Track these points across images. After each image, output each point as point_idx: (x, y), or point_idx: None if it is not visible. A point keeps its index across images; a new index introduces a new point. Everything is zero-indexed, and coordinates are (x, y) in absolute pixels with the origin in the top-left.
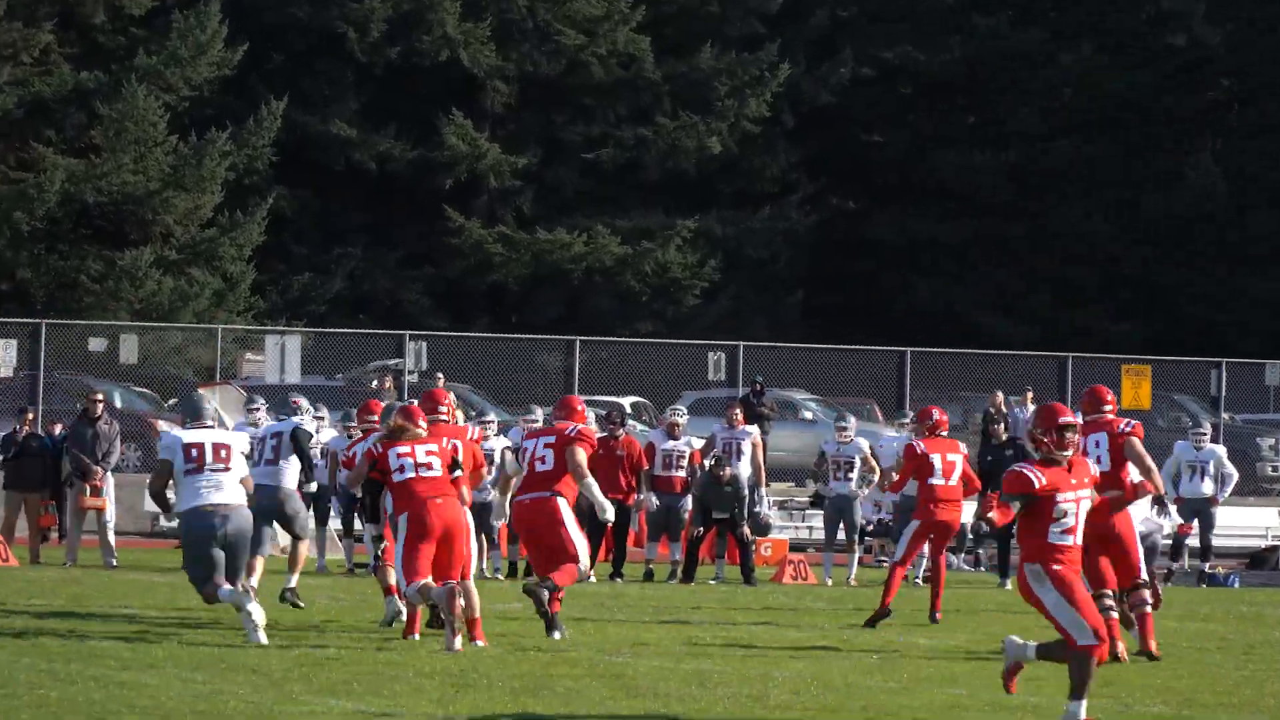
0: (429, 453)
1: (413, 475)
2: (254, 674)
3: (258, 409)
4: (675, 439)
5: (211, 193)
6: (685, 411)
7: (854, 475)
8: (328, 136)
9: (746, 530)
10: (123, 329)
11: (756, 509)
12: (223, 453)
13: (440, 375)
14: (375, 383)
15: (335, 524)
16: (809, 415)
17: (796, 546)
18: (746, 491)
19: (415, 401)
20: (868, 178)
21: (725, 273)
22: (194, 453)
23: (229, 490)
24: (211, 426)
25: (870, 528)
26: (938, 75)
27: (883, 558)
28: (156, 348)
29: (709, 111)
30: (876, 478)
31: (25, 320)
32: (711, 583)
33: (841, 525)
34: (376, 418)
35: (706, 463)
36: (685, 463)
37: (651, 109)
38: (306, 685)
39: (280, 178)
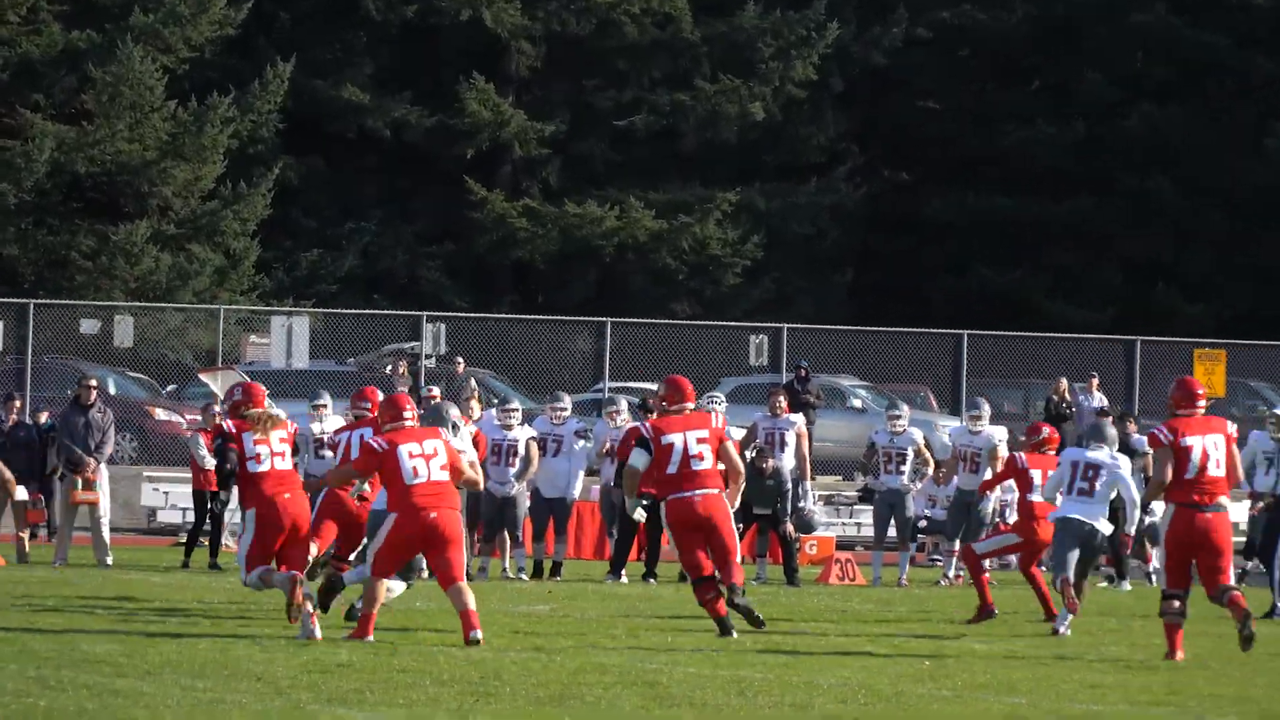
0: (256, 442)
1: (266, 468)
2: (259, 681)
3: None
4: None
5: (213, 162)
6: (723, 399)
7: (906, 468)
8: (339, 102)
9: (790, 527)
10: (117, 310)
11: (801, 504)
12: None
13: (460, 360)
14: (389, 368)
15: None
16: (858, 403)
17: (844, 544)
18: (790, 485)
19: (434, 387)
20: (922, 148)
21: (768, 250)
22: None
23: None
24: None
25: (923, 524)
26: (999, 37)
27: (935, 556)
28: (153, 330)
29: (751, 75)
30: (930, 470)
31: (12, 300)
32: (753, 583)
33: (892, 522)
34: (371, 404)
35: (747, 454)
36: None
37: (689, 72)
38: (315, 694)
39: (287, 146)
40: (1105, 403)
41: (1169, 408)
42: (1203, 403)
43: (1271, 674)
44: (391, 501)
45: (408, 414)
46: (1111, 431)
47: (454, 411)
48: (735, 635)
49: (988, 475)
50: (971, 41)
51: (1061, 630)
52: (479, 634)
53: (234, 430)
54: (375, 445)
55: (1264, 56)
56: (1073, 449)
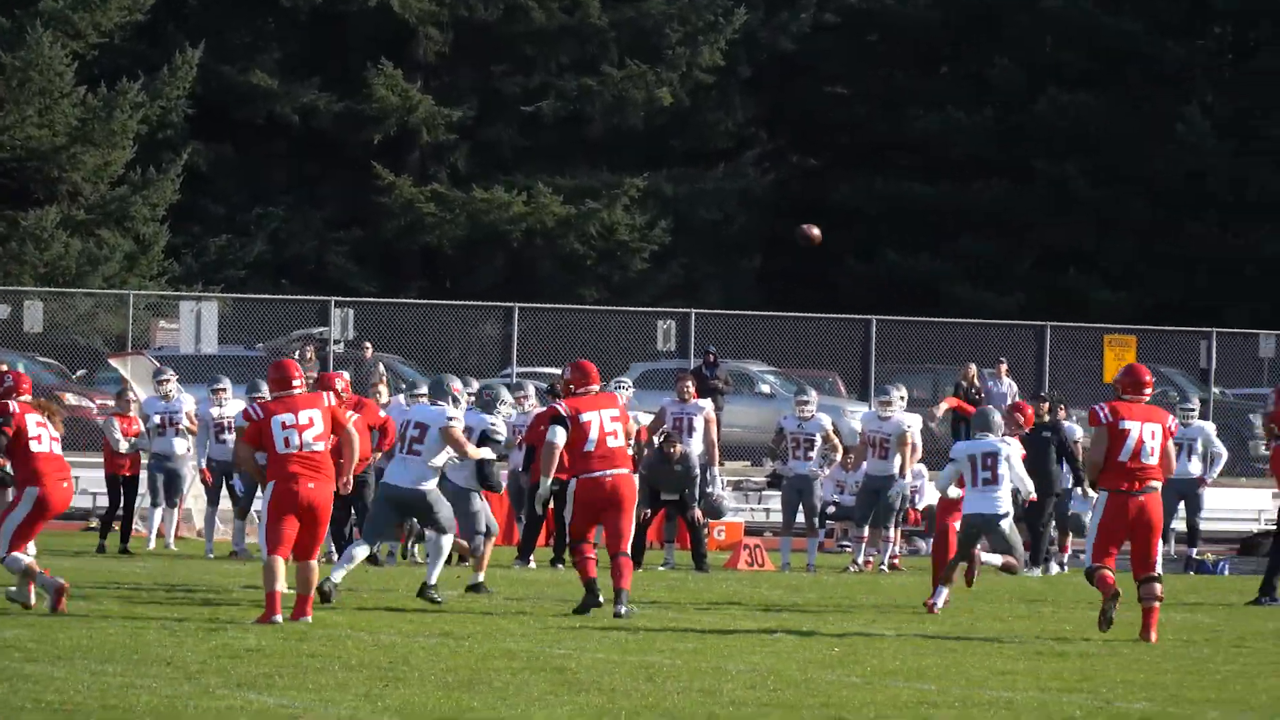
0: (39, 424)
1: (48, 449)
2: (168, 666)
3: (168, 380)
4: None
5: (122, 148)
6: (630, 384)
7: (814, 454)
8: (247, 88)
9: (698, 513)
10: (27, 295)
11: (709, 490)
12: None
13: (368, 345)
14: (298, 353)
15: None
16: (766, 389)
17: (752, 530)
18: (698, 471)
19: (343, 372)
20: (831, 134)
21: (675, 235)
22: None
23: None
24: None
25: (831, 510)
26: (908, 22)
27: (845, 542)
28: (63, 315)
29: (659, 61)
30: (839, 456)
31: None
32: (660, 569)
33: (801, 507)
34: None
35: (655, 439)
36: (632, 440)
37: (597, 58)
38: (224, 678)
39: (196, 132)
40: (1015, 388)
41: (1115, 391)
42: (1148, 391)
43: (1181, 660)
44: (269, 471)
45: (295, 383)
46: (997, 418)
47: (455, 384)
48: (601, 603)
49: (897, 461)
50: (880, 26)
51: (938, 606)
52: (309, 619)
53: (18, 411)
54: (252, 413)
55: (1176, 43)
56: (962, 444)
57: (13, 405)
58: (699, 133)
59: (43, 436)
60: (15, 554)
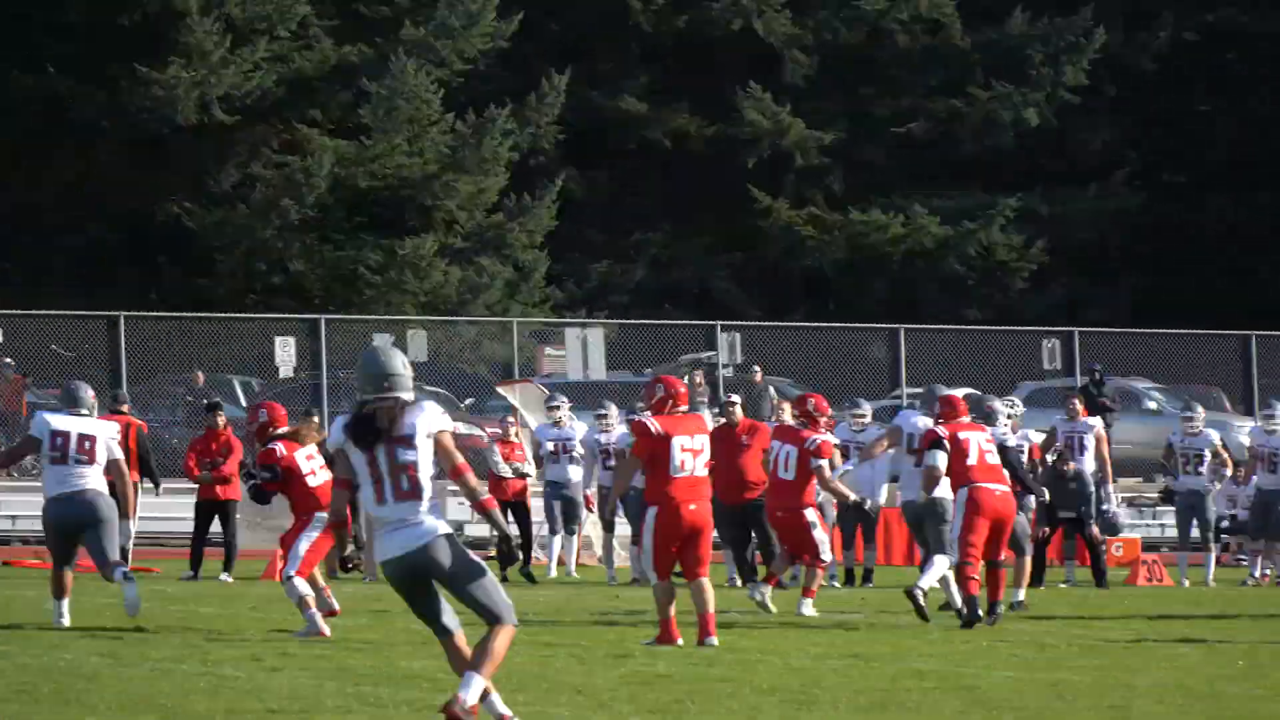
0: (308, 458)
1: (322, 480)
2: (578, 694)
3: (559, 407)
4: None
5: (495, 175)
6: (1019, 403)
7: (1204, 469)
8: (617, 113)
9: (1095, 529)
10: (410, 324)
11: (1104, 506)
12: (86, 444)
13: (757, 368)
14: (687, 378)
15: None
16: (1153, 405)
17: (1150, 546)
18: (1093, 488)
19: (734, 396)
20: (1198, 151)
21: (1052, 255)
22: (59, 441)
23: (90, 479)
24: (86, 415)
25: (1225, 524)
26: (1267, 38)
27: (1240, 556)
28: (447, 344)
29: (1024, 81)
30: (1229, 471)
31: (303, 316)
32: (1062, 586)
33: (1195, 522)
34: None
35: (1048, 458)
36: (1024, 459)
37: (962, 79)
38: (636, 705)
39: (568, 158)
40: None
41: None
42: None
43: None
44: (651, 491)
45: (686, 403)
46: None
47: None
48: (980, 617)
49: None
50: (1239, 44)
51: None
52: (714, 640)
53: (284, 453)
54: (651, 428)
55: None
56: None
57: (279, 449)
58: (1068, 152)
59: (315, 470)
60: (298, 579)
